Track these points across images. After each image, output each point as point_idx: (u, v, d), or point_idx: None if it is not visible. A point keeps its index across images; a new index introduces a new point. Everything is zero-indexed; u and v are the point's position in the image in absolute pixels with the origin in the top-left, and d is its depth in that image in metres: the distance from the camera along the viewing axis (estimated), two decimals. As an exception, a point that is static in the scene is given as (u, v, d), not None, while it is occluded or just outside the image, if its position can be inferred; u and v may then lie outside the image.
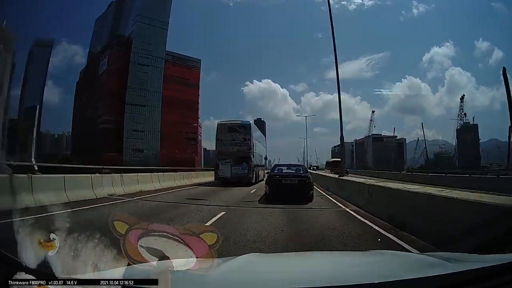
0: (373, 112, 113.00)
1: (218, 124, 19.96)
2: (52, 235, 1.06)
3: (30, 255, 0.97)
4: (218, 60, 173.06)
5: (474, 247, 2.66)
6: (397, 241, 4.52)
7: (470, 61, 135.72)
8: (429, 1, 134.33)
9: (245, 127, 19.49)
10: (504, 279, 1.14)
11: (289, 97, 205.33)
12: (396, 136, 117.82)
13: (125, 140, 67.72)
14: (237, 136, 19.00)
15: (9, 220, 2.00)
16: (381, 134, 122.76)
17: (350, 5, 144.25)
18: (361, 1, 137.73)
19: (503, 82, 39.90)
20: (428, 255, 1.94)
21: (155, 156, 66.27)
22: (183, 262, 1.16)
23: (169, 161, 52.93)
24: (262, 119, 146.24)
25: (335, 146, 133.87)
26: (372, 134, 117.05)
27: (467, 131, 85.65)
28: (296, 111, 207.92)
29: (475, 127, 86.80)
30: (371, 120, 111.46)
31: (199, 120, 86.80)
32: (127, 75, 68.77)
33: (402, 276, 1.26)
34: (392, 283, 1.12)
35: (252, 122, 21.03)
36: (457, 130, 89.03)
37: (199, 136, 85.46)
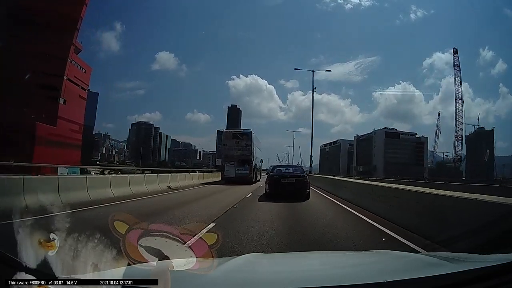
0: (456, 52, 64.29)
1: (223, 132, 24.12)
2: (52, 235, 1.06)
3: (30, 255, 0.97)
4: (204, 50, 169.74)
5: (474, 247, 2.67)
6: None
7: (471, 69, 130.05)
8: (428, 7, 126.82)
9: (247, 134, 22.91)
10: (504, 279, 1.14)
11: (275, 94, 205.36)
12: (416, 134, 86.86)
13: None
14: (240, 142, 22.33)
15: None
16: (395, 129, 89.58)
17: (347, 4, 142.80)
18: (358, 1, 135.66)
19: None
20: (428, 255, 1.94)
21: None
22: (183, 262, 1.16)
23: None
24: (238, 106, 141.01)
25: (325, 144, 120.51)
26: (384, 128, 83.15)
27: (480, 138, 70.77)
28: (282, 110, 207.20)
29: (489, 133, 71.45)
30: (456, 66, 59.61)
31: (78, 56, 45.44)
32: None
33: (402, 276, 1.26)
34: (392, 283, 1.12)
35: (252, 130, 24.17)
36: (466, 136, 73.70)
37: (79, 88, 46.17)
